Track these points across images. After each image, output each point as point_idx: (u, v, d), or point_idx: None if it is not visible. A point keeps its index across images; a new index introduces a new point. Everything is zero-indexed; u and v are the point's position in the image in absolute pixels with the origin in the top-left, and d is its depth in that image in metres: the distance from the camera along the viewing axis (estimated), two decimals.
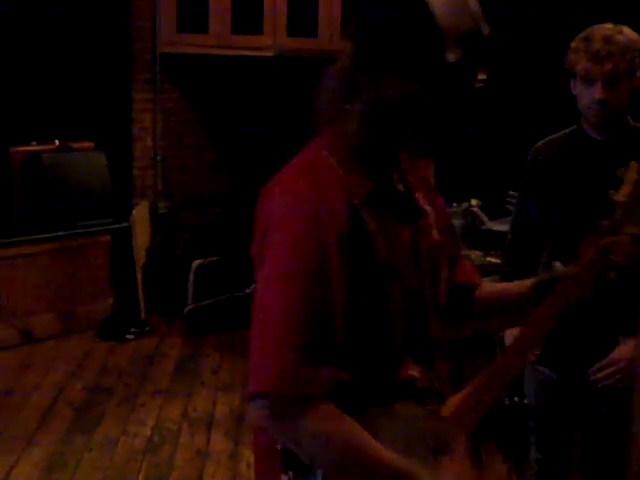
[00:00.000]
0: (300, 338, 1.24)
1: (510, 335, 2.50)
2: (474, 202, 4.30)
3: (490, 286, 1.67)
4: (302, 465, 1.30)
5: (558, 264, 1.52)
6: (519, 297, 1.57)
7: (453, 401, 1.41)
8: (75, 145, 5.21)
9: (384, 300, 1.35)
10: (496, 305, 1.62)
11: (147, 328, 5.19)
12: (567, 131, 2.43)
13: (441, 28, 1.29)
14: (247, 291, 5.32)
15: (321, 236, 1.27)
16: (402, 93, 1.30)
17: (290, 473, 1.32)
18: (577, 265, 1.48)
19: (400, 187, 1.45)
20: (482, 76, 1.38)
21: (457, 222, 4.16)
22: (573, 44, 2.26)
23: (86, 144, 5.26)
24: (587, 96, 2.24)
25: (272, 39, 5.58)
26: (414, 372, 1.39)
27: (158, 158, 5.73)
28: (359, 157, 1.37)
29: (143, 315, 5.31)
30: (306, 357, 1.24)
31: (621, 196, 1.47)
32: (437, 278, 1.48)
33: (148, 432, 3.85)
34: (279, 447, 1.32)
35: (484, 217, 4.28)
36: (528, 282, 1.57)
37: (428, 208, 1.50)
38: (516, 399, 3.48)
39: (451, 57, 1.31)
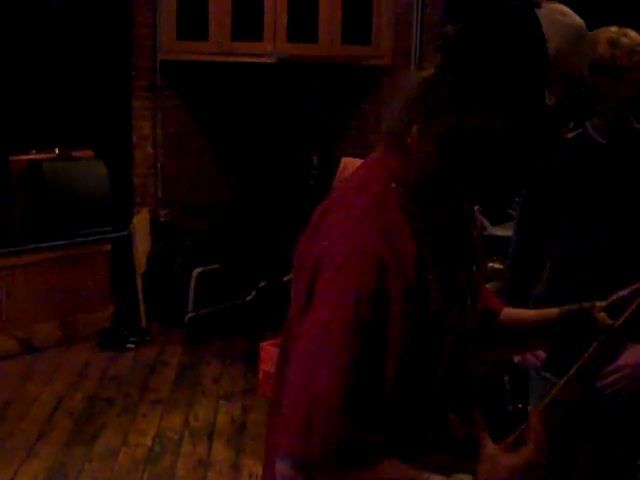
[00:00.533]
0: (351, 403, 1.13)
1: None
2: (475, 207, 4.27)
3: (511, 311, 1.59)
4: None
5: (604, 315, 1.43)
6: (541, 325, 1.52)
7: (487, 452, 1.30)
8: (75, 153, 5.19)
9: (433, 353, 1.26)
10: (518, 331, 1.56)
11: (147, 337, 5.16)
12: (571, 135, 2.40)
13: (550, 67, 1.16)
14: (248, 299, 5.29)
15: (385, 291, 1.15)
16: (486, 125, 1.17)
17: None
18: (610, 315, 1.41)
19: (460, 224, 1.33)
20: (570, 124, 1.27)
21: None
22: None
23: (86, 152, 5.25)
24: None
25: (272, 45, 5.56)
26: (456, 429, 1.33)
27: (158, 166, 5.71)
28: (427, 190, 1.22)
29: (143, 324, 5.29)
30: (353, 424, 1.13)
31: None
32: (474, 312, 1.39)
33: (149, 442, 3.82)
34: None
35: (486, 222, 4.26)
36: (552, 311, 1.52)
37: (476, 239, 1.40)
38: (520, 405, 3.45)
39: (550, 100, 1.17)
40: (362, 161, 1.34)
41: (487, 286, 1.54)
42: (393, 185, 1.22)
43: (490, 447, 1.29)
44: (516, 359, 2.46)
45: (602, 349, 1.39)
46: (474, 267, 1.36)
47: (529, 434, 1.32)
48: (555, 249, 2.38)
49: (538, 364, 2.40)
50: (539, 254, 2.42)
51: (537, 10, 1.17)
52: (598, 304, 1.47)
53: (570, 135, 2.41)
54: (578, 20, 1.20)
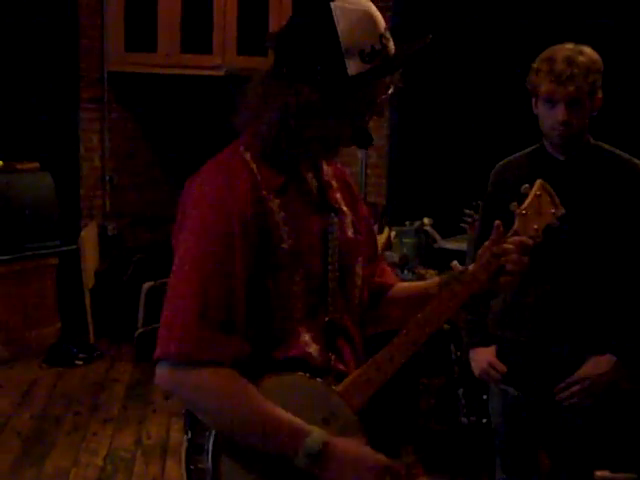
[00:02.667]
0: (205, 309, 1.39)
1: (476, 356, 2.48)
2: (427, 221, 4.32)
3: (402, 284, 1.81)
4: (200, 426, 1.43)
5: (455, 262, 1.61)
6: (425, 292, 1.69)
7: (348, 379, 1.52)
8: (20, 166, 5.08)
9: (286, 281, 1.49)
10: (404, 299, 1.76)
11: (96, 353, 5.07)
12: (528, 151, 2.43)
13: (343, 44, 1.44)
14: None
15: (226, 222, 1.43)
16: (305, 100, 1.46)
17: (189, 433, 1.46)
18: (474, 265, 1.60)
19: (313, 183, 1.60)
20: (390, 91, 1.54)
21: (410, 241, 4.17)
22: (535, 65, 2.27)
23: (32, 164, 5.14)
24: (550, 117, 2.24)
25: (221, 58, 5.55)
26: (311, 350, 1.51)
27: (106, 178, 5.63)
28: (271, 154, 1.52)
29: (92, 340, 5.19)
30: (210, 326, 1.39)
31: (521, 209, 1.62)
32: (349, 270, 1.62)
33: (100, 462, 3.73)
34: (183, 410, 1.48)
35: (437, 235, 4.30)
36: (434, 280, 1.70)
37: (345, 209, 1.66)
38: (473, 418, 3.47)
39: (351, 70, 1.45)
40: None
41: (387, 267, 1.84)
42: (241, 148, 1.53)
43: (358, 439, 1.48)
44: (476, 372, 2.48)
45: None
46: (344, 228, 1.62)
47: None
48: None
49: (498, 377, 2.42)
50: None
51: (331, 2, 1.47)
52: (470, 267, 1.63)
53: (527, 150, 2.45)
54: (363, 4, 1.49)
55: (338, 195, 1.66)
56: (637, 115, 4.27)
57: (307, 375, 1.49)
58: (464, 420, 3.50)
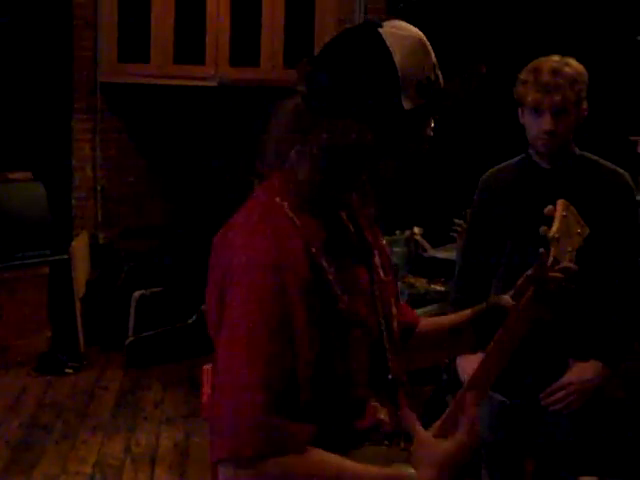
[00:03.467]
0: (268, 397, 1.22)
1: (463, 364, 2.50)
2: (417, 230, 4.34)
3: (428, 320, 1.71)
4: None
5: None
6: (457, 327, 1.63)
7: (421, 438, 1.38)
8: (12, 175, 5.10)
9: (348, 347, 1.34)
10: (432, 338, 1.67)
11: (86, 362, 5.06)
12: (515, 160, 2.46)
13: (400, 76, 1.31)
14: (189, 322, 5.25)
15: (284, 289, 1.25)
16: (355, 138, 1.30)
17: None
18: (516, 301, 1.52)
19: (351, 227, 1.45)
20: (433, 125, 1.42)
21: (400, 250, 4.20)
22: (522, 75, 2.31)
23: (24, 174, 5.15)
24: (536, 127, 2.28)
25: (214, 69, 5.57)
26: (381, 415, 1.39)
27: (98, 188, 5.64)
28: (311, 201, 1.36)
29: (82, 348, 5.19)
30: (276, 415, 1.22)
31: (553, 232, 1.55)
32: (390, 316, 1.49)
33: (89, 470, 3.73)
34: None
35: (427, 245, 4.32)
36: (465, 313, 1.62)
37: (374, 246, 1.52)
38: None
39: (407, 105, 1.32)
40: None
41: (404, 303, 1.69)
42: (277, 199, 1.34)
43: (423, 434, 1.32)
44: (463, 379, 2.49)
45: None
46: (378, 270, 1.48)
47: (461, 416, 1.35)
48: (500, 272, 2.42)
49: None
50: (485, 276, 2.47)
51: (379, 29, 1.33)
52: (505, 296, 1.59)
53: (514, 160, 2.48)
54: (415, 32, 1.36)
55: (368, 233, 1.52)
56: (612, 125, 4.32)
57: (383, 444, 1.37)
58: None
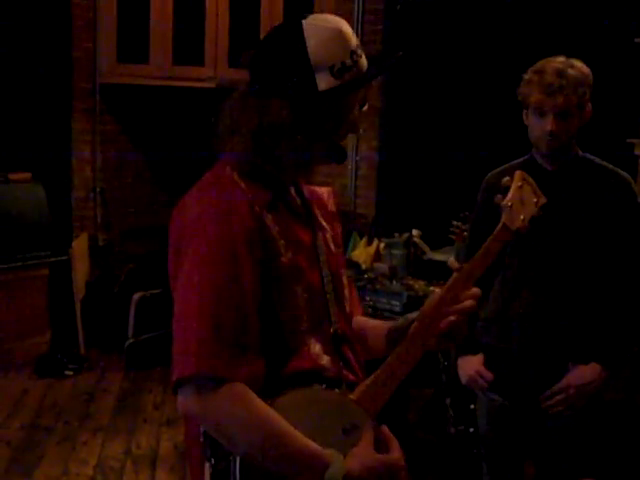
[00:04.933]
0: (219, 329, 1.37)
1: (463, 365, 2.51)
2: (415, 232, 4.35)
3: (360, 319, 1.80)
4: (223, 452, 1.41)
5: (451, 260, 1.68)
6: (375, 335, 1.72)
7: (361, 387, 1.53)
8: (12, 176, 5.09)
9: (289, 294, 1.50)
10: (364, 337, 1.76)
11: (86, 364, 5.07)
12: (518, 161, 2.47)
13: (312, 60, 1.48)
14: None
15: (232, 237, 1.42)
16: (280, 116, 1.49)
17: (212, 460, 1.43)
18: (419, 322, 1.59)
19: (297, 199, 1.63)
20: (364, 108, 1.56)
21: (399, 252, 4.20)
22: (526, 76, 2.31)
23: (23, 175, 5.15)
24: (539, 128, 2.29)
25: (213, 70, 5.58)
26: (323, 362, 1.53)
27: (97, 189, 5.64)
28: (254, 171, 1.53)
29: (82, 350, 5.19)
30: (226, 345, 1.37)
31: (506, 201, 1.64)
32: (339, 282, 1.65)
33: (90, 471, 3.74)
34: (202, 439, 1.43)
35: (425, 247, 4.33)
36: (385, 325, 1.72)
37: (325, 225, 1.68)
38: (462, 427, 3.50)
39: (322, 85, 1.49)
40: None
41: (355, 295, 1.82)
42: (227, 168, 1.54)
43: (370, 441, 1.47)
44: (464, 380, 2.51)
45: (452, 288, 1.58)
46: (325, 236, 1.65)
47: (391, 446, 1.51)
48: (502, 272, 2.43)
49: (485, 385, 2.45)
50: (487, 276, 2.48)
51: (302, 20, 1.51)
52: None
53: (517, 161, 2.49)
54: (335, 22, 1.52)
55: (317, 211, 1.68)
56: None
57: (323, 387, 1.49)
58: (452, 429, 3.52)
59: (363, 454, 1.45)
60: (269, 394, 1.42)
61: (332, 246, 1.67)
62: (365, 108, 1.57)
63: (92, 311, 5.29)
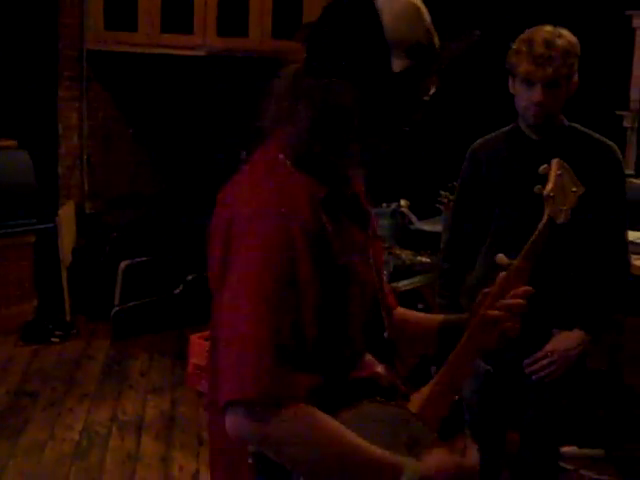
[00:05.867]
0: (278, 343, 1.23)
1: None
2: (403, 202, 4.36)
3: (400, 311, 1.69)
4: (279, 471, 1.29)
5: (500, 256, 1.54)
6: (422, 330, 1.63)
7: (417, 399, 1.42)
8: None
9: (346, 303, 1.36)
10: (401, 329, 1.63)
11: (73, 331, 5.07)
12: (504, 130, 2.48)
13: (388, 37, 1.32)
14: (176, 292, 5.26)
15: (290, 237, 1.27)
16: (346, 99, 1.31)
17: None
18: (475, 321, 1.49)
19: (348, 189, 1.46)
20: (432, 90, 1.41)
21: (387, 222, 4.21)
22: (515, 45, 2.31)
23: (9, 142, 5.11)
24: (526, 97, 2.29)
25: (202, 38, 5.54)
26: (378, 369, 1.41)
27: (84, 157, 5.61)
28: (309, 160, 1.36)
29: (68, 317, 5.19)
30: (283, 362, 1.23)
31: (548, 191, 1.55)
32: (381, 280, 1.52)
33: (76, 436, 3.76)
34: (250, 460, 1.31)
35: (413, 217, 4.34)
36: (436, 319, 1.63)
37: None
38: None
39: (397, 67, 1.32)
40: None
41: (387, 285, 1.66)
42: (281, 156, 1.37)
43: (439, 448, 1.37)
44: None
45: (502, 286, 1.50)
46: (369, 232, 1.49)
47: (469, 450, 1.43)
48: (487, 241, 2.45)
49: None
50: (472, 245, 2.49)
51: None
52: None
53: (503, 130, 2.49)
54: None
55: (364, 201, 1.53)
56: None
57: (381, 401, 1.38)
58: None
59: (438, 457, 1.36)
60: (328, 407, 1.29)
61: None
62: (432, 92, 1.41)
63: (79, 278, 5.28)
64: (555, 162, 1.59)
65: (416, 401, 1.42)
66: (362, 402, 1.35)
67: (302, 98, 1.35)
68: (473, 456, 1.43)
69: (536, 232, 1.53)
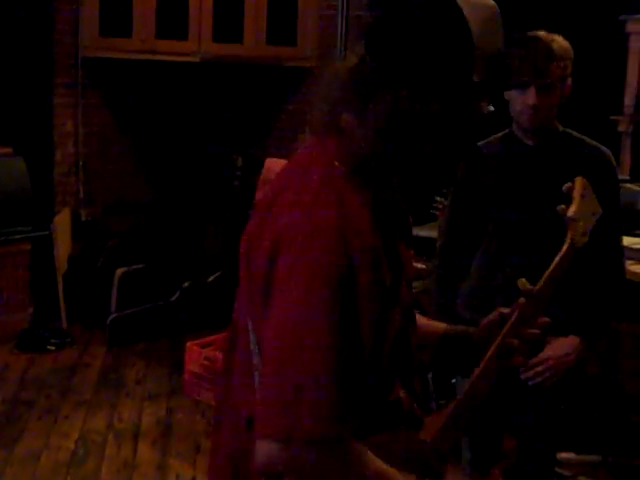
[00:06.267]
0: (336, 379, 1.14)
1: None
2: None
3: None
4: None
5: (522, 281, 1.47)
6: (424, 337, 1.54)
7: (431, 426, 1.37)
8: None
9: (387, 324, 1.27)
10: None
11: (68, 339, 5.05)
12: (498, 136, 2.48)
13: (476, 47, 1.22)
14: (172, 299, 5.25)
15: (349, 257, 1.17)
16: (422, 108, 1.22)
17: None
18: (483, 335, 1.46)
19: (399, 200, 1.38)
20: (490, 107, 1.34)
21: None
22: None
23: (4, 149, 5.10)
24: (521, 102, 2.29)
25: (197, 45, 5.53)
26: (401, 394, 1.35)
27: (80, 164, 5.60)
28: (368, 169, 1.27)
29: (64, 325, 5.18)
30: (341, 401, 1.15)
31: (572, 214, 1.48)
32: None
33: (72, 445, 3.74)
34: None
35: None
36: (439, 327, 1.56)
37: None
38: (443, 402, 3.52)
39: (477, 78, 1.24)
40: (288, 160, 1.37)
41: None
42: (336, 164, 1.25)
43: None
44: None
45: (523, 312, 1.44)
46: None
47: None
48: (482, 247, 2.44)
49: None
50: (467, 251, 2.49)
51: None
52: (473, 328, 1.52)
53: (498, 135, 2.49)
54: (491, 1, 1.28)
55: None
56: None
57: (401, 430, 1.33)
58: (434, 404, 3.55)
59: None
60: (358, 433, 1.21)
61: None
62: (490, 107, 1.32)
63: (74, 286, 5.27)
64: (579, 181, 1.52)
65: (429, 428, 1.36)
66: (383, 434, 1.30)
67: (366, 102, 1.24)
68: None
69: (558, 257, 1.47)
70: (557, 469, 2.84)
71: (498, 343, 1.40)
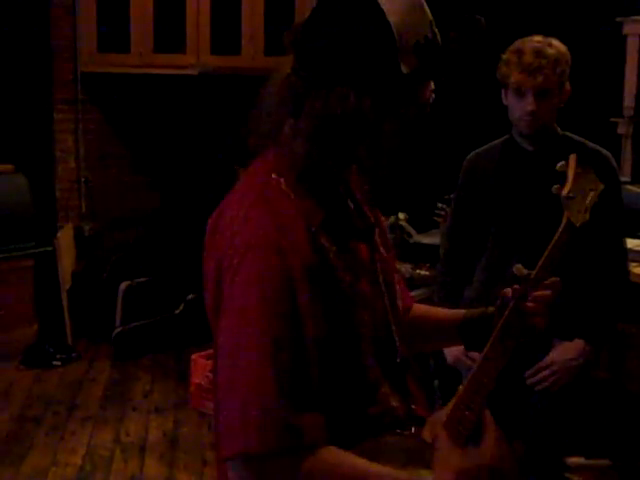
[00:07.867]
0: (282, 385, 1.16)
1: (450, 352, 2.51)
2: (401, 216, 4.36)
3: (421, 307, 1.64)
4: None
5: (518, 267, 1.44)
6: (444, 325, 1.57)
7: (433, 423, 1.34)
8: None
9: (354, 329, 1.28)
10: (423, 326, 1.59)
11: (74, 354, 5.05)
12: (498, 142, 2.48)
13: (397, 38, 1.21)
14: (176, 312, 5.25)
15: (287, 271, 1.19)
16: (353, 107, 1.21)
17: None
18: (499, 314, 1.42)
19: (350, 203, 1.37)
20: (432, 87, 1.32)
21: None
22: (504, 56, 2.32)
23: (6, 167, 5.11)
24: (519, 107, 2.29)
25: (195, 57, 5.55)
26: (393, 403, 1.34)
27: (81, 179, 5.61)
28: (308, 177, 1.27)
29: (70, 340, 5.18)
30: (292, 405, 1.16)
31: (566, 192, 1.44)
32: (394, 294, 1.43)
33: (79, 461, 3.73)
34: None
35: (412, 230, 4.34)
36: (459, 313, 1.56)
37: (375, 224, 1.44)
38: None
39: (405, 68, 1.22)
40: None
41: (402, 284, 1.58)
42: (274, 176, 1.27)
43: (443, 445, 1.28)
44: (449, 360, 2.51)
45: (520, 300, 1.41)
46: (379, 247, 1.41)
47: (485, 433, 1.29)
48: (485, 254, 2.44)
49: (471, 365, 2.45)
50: (471, 257, 2.49)
51: None
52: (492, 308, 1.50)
53: (498, 141, 2.49)
54: None
55: (366, 208, 1.43)
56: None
57: (399, 433, 1.32)
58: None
59: (453, 463, 1.26)
60: (345, 443, 1.23)
61: (382, 249, 1.43)
62: (433, 88, 1.31)
63: (79, 301, 5.27)
64: (572, 158, 1.47)
65: (432, 426, 1.33)
66: (380, 436, 1.29)
67: (299, 110, 1.24)
68: (489, 447, 1.27)
69: (555, 238, 1.42)
70: (566, 474, 2.83)
71: (500, 324, 1.39)
